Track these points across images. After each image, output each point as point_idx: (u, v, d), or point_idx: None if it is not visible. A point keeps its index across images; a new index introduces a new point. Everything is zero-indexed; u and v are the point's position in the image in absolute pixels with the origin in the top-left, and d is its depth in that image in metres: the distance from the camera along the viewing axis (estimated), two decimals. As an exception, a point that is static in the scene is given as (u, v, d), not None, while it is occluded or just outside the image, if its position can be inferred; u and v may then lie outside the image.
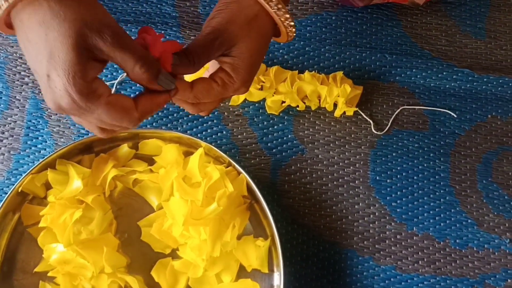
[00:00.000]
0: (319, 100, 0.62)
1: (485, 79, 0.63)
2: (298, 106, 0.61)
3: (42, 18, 0.35)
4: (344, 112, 0.62)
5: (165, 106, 0.60)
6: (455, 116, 0.62)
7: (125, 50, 0.37)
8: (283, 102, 0.61)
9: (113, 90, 0.51)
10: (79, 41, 0.36)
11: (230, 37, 0.43)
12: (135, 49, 0.38)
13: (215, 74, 0.45)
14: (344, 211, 0.60)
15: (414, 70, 0.64)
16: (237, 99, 0.62)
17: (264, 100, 0.61)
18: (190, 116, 0.62)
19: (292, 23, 0.46)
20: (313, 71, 0.61)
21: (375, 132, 0.62)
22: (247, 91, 0.47)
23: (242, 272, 0.56)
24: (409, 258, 0.59)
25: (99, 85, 0.38)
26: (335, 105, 0.62)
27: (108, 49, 0.37)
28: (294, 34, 0.48)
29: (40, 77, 0.37)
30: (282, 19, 0.45)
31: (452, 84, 0.63)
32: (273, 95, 0.61)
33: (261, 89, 0.61)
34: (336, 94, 0.60)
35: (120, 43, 0.37)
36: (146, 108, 0.40)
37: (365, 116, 0.62)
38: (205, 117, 0.62)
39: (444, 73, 0.64)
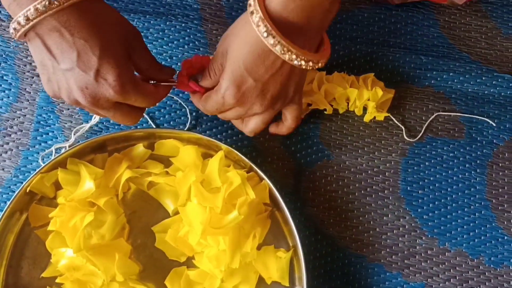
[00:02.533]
0: (348, 103, 0.58)
1: (527, 86, 0.59)
2: (325, 110, 0.57)
3: (94, 19, 0.42)
4: (374, 117, 0.58)
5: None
6: (494, 124, 0.59)
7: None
8: (309, 104, 0.57)
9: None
10: (126, 40, 0.44)
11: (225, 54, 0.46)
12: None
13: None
14: (371, 222, 0.56)
15: (451, 74, 0.59)
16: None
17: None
18: (209, 116, 0.58)
19: (294, 57, 0.43)
20: (342, 72, 0.57)
21: (407, 139, 0.58)
22: (228, 102, 0.46)
23: (261, 285, 0.53)
24: (440, 276, 0.55)
25: (135, 75, 0.46)
26: (365, 108, 0.58)
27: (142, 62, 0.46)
28: (318, 64, 0.44)
29: (84, 73, 0.42)
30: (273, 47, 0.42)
31: (492, 90, 0.59)
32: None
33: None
34: (367, 98, 0.56)
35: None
36: (163, 94, 0.49)
37: (396, 122, 0.58)
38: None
39: (483, 78, 0.59)
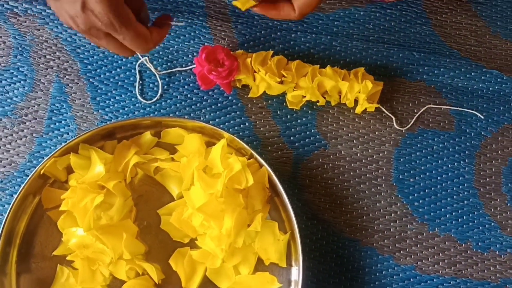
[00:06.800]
0: (340, 95, 0.61)
1: (514, 81, 0.62)
2: (318, 102, 0.60)
3: None
4: (366, 109, 0.61)
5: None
6: (482, 117, 0.62)
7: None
8: (304, 96, 0.60)
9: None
10: None
11: None
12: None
13: None
14: (365, 208, 0.59)
15: (442, 69, 0.63)
16: (256, 91, 0.61)
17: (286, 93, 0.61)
18: (213, 106, 0.62)
19: None
20: (335, 66, 0.60)
21: (398, 127, 0.61)
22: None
23: (259, 265, 0.56)
24: (429, 259, 0.58)
25: (129, 11, 0.45)
26: (356, 101, 0.61)
27: None
28: None
29: (72, 3, 0.44)
30: None
31: (480, 85, 0.62)
32: (293, 90, 0.60)
33: (281, 83, 0.60)
34: (357, 90, 0.59)
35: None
36: (157, 40, 0.50)
37: (387, 112, 0.61)
38: (228, 108, 0.62)
39: (473, 74, 0.63)
